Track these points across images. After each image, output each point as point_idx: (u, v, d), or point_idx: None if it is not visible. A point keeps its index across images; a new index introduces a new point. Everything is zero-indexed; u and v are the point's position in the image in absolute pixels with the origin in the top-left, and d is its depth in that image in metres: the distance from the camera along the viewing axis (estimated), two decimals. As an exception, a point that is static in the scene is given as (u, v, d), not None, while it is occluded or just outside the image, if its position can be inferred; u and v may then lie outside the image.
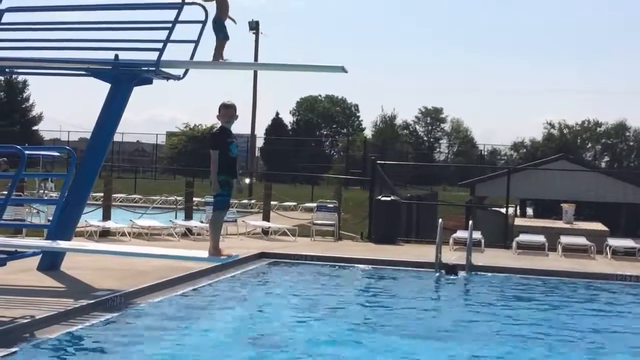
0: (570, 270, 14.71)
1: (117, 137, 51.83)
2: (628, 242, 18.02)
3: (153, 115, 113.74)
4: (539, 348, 8.57)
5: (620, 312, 11.30)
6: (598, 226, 22.56)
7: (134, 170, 54.22)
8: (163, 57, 11.03)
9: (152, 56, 11.13)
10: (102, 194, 20.02)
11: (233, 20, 11.22)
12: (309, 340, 8.52)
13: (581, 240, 18.09)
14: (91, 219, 17.24)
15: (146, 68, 11.35)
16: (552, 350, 8.51)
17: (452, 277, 13.84)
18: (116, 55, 11.28)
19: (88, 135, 12.32)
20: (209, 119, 66.86)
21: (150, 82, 11.82)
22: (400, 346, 8.43)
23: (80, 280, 10.77)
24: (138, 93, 11.78)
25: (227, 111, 9.20)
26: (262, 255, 15.21)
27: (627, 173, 50.82)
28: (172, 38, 11.07)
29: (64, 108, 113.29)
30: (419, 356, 8.04)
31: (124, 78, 11.44)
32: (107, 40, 11.75)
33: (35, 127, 68.84)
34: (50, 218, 12.88)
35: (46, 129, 70.55)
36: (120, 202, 29.08)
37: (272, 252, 15.55)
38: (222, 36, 11.06)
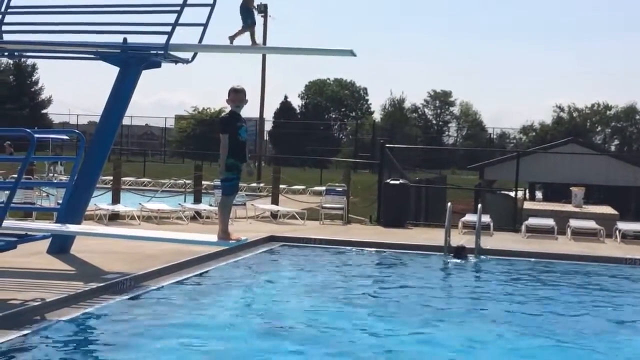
0: (580, 253, 14.69)
1: (126, 121, 51.87)
2: (638, 226, 17.97)
3: (162, 99, 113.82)
4: (547, 332, 8.57)
5: (630, 296, 11.27)
6: (607, 210, 22.51)
7: (142, 154, 54.37)
8: (172, 41, 11.01)
9: (161, 39, 11.12)
10: (111, 178, 20.08)
11: (255, 8, 11.23)
12: (317, 324, 8.54)
13: (590, 224, 18.05)
14: (100, 202, 17.30)
15: (155, 51, 11.34)
16: (560, 334, 8.50)
17: (461, 260, 13.83)
18: (125, 39, 11.27)
19: (97, 119, 12.33)
20: (218, 103, 66.88)
21: (159, 65, 11.80)
22: (408, 329, 8.45)
23: (89, 264, 10.82)
24: (147, 76, 11.78)
25: (237, 95, 9.19)
26: (271, 239, 15.24)
27: (637, 156, 50.59)
28: (180, 21, 11.04)
29: (73, 91, 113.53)
30: (427, 338, 8.05)
31: (132, 61, 11.43)
32: (115, 24, 11.72)
33: (44, 111, 69.04)
34: (60, 201, 12.92)
35: (55, 112, 70.80)
36: (130, 185, 29.16)
37: (281, 236, 15.58)
38: (249, 22, 11.08)
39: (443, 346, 7.82)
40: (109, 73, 11.61)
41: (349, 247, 14.93)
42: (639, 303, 10.80)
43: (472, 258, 14.05)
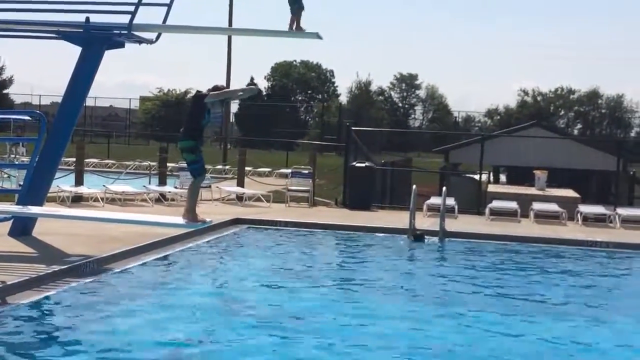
0: (542, 236, 14.88)
1: (89, 102, 51.33)
2: (599, 209, 18.24)
3: (126, 80, 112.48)
4: (507, 311, 8.70)
5: (590, 277, 11.47)
6: (570, 193, 22.75)
7: (107, 135, 53.73)
8: (135, 20, 10.87)
9: (124, 19, 10.97)
10: (74, 159, 19.84)
11: None
12: (281, 305, 8.58)
13: (553, 207, 18.26)
14: (63, 184, 17.11)
15: (118, 31, 11.20)
16: (519, 313, 8.63)
17: (424, 243, 13.92)
18: (87, 18, 11.12)
19: (60, 99, 12.15)
20: (183, 84, 66.42)
21: (122, 45, 11.66)
22: (369, 309, 8.52)
23: (52, 246, 10.70)
24: (111, 56, 11.65)
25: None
26: (236, 221, 15.20)
27: (599, 140, 51.25)
28: (144, 1, 10.90)
29: (36, 71, 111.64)
30: (387, 321, 8.12)
31: (95, 41, 11.29)
32: (78, 2, 11.56)
33: (5, 91, 67.82)
34: (22, 183, 12.73)
35: (17, 93, 69.62)
36: (93, 167, 28.84)
37: (246, 218, 15.55)
38: (296, 7, 11.00)
39: (404, 322, 7.93)
40: (72, 53, 11.47)
41: (314, 230, 14.95)
42: (599, 284, 10.98)
43: (436, 240, 14.16)
